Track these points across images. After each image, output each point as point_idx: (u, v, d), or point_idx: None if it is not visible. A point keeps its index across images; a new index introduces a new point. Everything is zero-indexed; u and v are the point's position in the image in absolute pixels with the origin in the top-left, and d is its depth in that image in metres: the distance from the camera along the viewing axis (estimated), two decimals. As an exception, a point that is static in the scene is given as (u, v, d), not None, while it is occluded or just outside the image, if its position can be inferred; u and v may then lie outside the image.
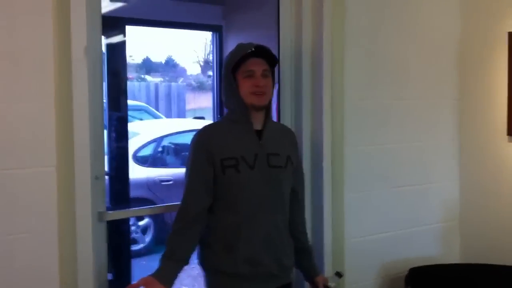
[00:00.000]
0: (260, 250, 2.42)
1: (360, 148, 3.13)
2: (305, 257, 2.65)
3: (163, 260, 2.34)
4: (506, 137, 3.29)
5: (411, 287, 3.02)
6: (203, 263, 2.51)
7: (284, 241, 2.53)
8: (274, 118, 4.40)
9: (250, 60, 2.43)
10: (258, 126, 2.48)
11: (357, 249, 3.11)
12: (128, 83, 4.57)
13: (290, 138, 2.64)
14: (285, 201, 2.53)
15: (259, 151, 2.45)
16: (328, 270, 2.94)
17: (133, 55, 14.47)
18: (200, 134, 2.48)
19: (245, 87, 2.42)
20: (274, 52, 2.58)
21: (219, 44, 5.64)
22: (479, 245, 3.45)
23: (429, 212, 3.44)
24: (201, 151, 2.41)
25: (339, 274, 2.61)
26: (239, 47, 2.48)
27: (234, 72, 2.44)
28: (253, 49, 2.43)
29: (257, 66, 2.44)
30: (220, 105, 6.46)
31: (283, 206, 2.52)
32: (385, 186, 3.24)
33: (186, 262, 2.37)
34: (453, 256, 3.51)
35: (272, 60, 2.49)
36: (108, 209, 2.55)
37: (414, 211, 3.36)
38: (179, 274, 2.35)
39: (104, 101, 4.16)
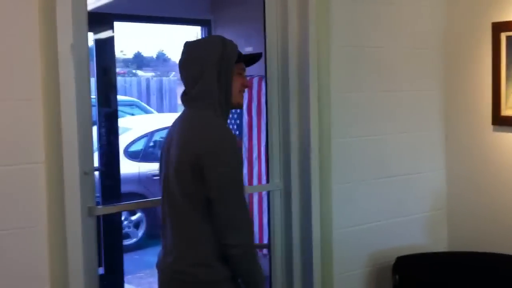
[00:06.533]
0: None
1: (347, 140, 3.15)
2: None
3: None
4: (491, 126, 3.32)
5: (398, 275, 3.06)
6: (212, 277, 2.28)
7: None
8: (263, 112, 4.45)
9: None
10: None
11: (345, 239, 3.14)
12: (120, 78, 4.59)
13: None
14: None
15: None
16: (316, 262, 2.99)
17: (124, 50, 14.45)
18: (233, 135, 2.30)
19: (238, 84, 2.34)
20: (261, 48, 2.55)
21: (208, 38, 5.65)
22: (466, 234, 3.48)
23: (416, 201, 3.47)
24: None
25: None
26: (235, 45, 2.35)
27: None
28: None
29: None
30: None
31: None
32: (372, 176, 3.26)
33: None
34: (440, 244, 3.54)
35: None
36: (100, 204, 2.57)
37: (402, 201, 3.39)
38: None
39: (94, 97, 4.18)
